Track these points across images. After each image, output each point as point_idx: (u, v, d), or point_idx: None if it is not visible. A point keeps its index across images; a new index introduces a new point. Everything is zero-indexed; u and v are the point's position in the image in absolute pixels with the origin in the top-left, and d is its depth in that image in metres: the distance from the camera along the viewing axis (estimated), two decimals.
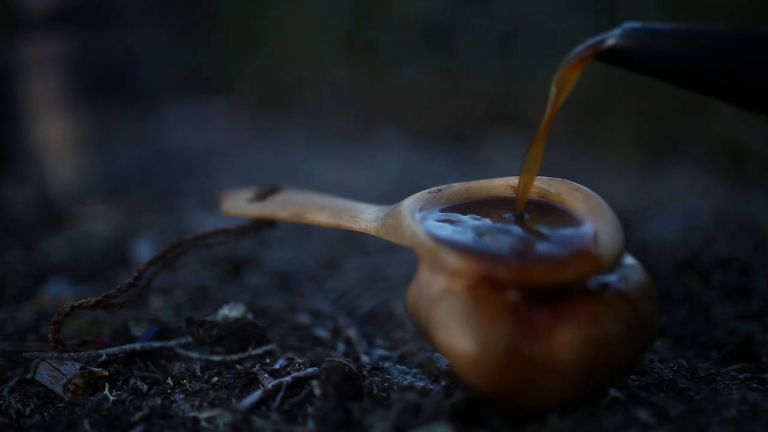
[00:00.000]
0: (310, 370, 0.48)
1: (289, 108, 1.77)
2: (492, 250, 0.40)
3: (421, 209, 0.46)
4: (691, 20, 1.22)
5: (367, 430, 0.41)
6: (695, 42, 0.42)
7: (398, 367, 0.51)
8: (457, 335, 0.38)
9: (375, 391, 0.46)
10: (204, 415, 0.44)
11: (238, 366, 0.51)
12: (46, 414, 0.47)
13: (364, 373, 0.49)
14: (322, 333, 0.59)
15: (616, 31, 0.43)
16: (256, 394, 0.46)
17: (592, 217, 0.43)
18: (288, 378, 0.47)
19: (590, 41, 0.44)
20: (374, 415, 0.41)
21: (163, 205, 1.05)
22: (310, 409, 0.44)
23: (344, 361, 0.50)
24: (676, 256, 0.67)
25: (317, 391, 0.44)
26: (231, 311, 0.54)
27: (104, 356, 0.51)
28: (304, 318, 0.61)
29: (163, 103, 1.35)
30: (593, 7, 1.47)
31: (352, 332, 0.58)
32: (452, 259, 0.39)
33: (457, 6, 1.72)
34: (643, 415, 0.41)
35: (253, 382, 0.49)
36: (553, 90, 0.44)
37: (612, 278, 0.40)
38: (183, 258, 0.74)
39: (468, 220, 0.45)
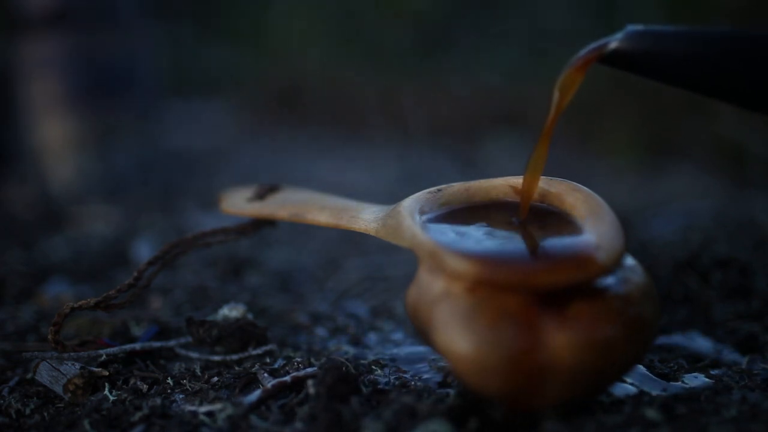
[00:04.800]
0: (309, 369, 0.48)
1: (290, 108, 1.77)
2: (492, 253, 0.40)
3: (420, 210, 0.45)
4: (691, 21, 1.22)
5: (359, 431, 0.41)
6: (698, 44, 0.42)
7: (400, 363, 0.51)
8: (457, 337, 0.38)
9: (372, 390, 0.46)
10: (203, 409, 0.44)
11: (236, 366, 0.51)
12: (46, 414, 0.47)
13: (363, 370, 0.49)
14: (322, 333, 0.59)
15: (619, 34, 0.43)
16: (256, 394, 0.46)
17: (592, 218, 0.43)
18: (287, 378, 0.47)
19: (593, 45, 0.44)
20: (367, 415, 0.41)
21: (163, 205, 1.05)
22: (304, 409, 0.44)
23: (342, 360, 0.50)
24: (676, 256, 0.67)
25: (311, 391, 0.44)
26: (231, 311, 0.54)
27: (104, 356, 0.51)
28: (304, 318, 0.61)
29: (163, 103, 1.35)
30: (593, 7, 1.47)
31: (352, 329, 0.58)
32: (452, 261, 0.39)
33: (458, 6, 1.72)
34: (643, 415, 0.41)
35: (252, 382, 0.49)
36: (556, 94, 0.44)
37: (612, 280, 0.40)
38: (183, 258, 0.74)
39: (468, 221, 0.45)
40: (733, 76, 0.42)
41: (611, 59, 0.44)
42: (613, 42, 0.43)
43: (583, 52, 0.44)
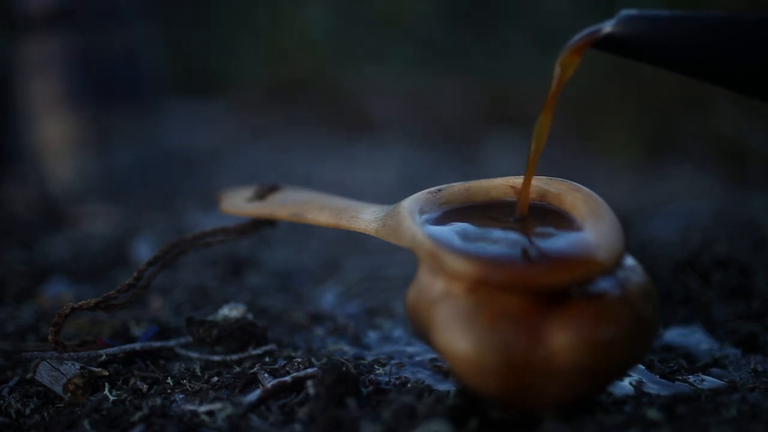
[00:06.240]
0: (309, 369, 0.48)
1: (290, 108, 1.77)
2: (492, 253, 0.40)
3: (420, 210, 0.45)
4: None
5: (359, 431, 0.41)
6: (692, 28, 0.42)
7: (401, 362, 0.51)
8: (457, 338, 0.38)
9: (372, 390, 0.46)
10: (203, 409, 0.44)
11: (236, 367, 0.51)
12: (46, 414, 0.47)
13: (364, 369, 0.49)
14: (322, 333, 0.59)
15: (613, 19, 0.43)
16: (256, 394, 0.46)
17: (592, 218, 0.43)
18: (288, 378, 0.47)
19: (587, 30, 0.44)
20: (366, 416, 0.41)
21: (163, 205, 1.05)
22: (304, 409, 0.44)
23: (342, 361, 0.50)
24: (676, 256, 0.67)
25: (311, 391, 0.44)
26: (231, 311, 0.54)
27: (104, 356, 0.51)
28: (303, 318, 0.61)
29: (163, 103, 1.35)
30: (593, 6, 1.47)
31: (352, 329, 0.58)
32: (452, 262, 0.39)
33: (459, 8, 1.72)
34: (644, 415, 0.41)
35: (252, 382, 0.49)
36: (557, 69, 0.44)
37: (612, 280, 0.40)
38: (183, 258, 0.74)
39: (468, 221, 0.45)
40: (728, 61, 0.42)
41: (605, 44, 0.43)
42: (607, 27, 0.43)
43: (577, 37, 0.44)
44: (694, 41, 0.42)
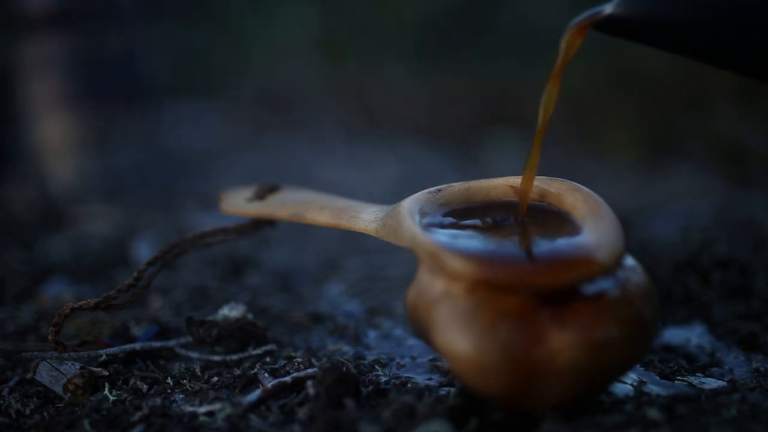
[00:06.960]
0: (309, 370, 0.48)
1: (289, 108, 1.77)
2: (492, 253, 0.40)
3: (420, 210, 0.45)
4: None
5: None
6: (690, 8, 0.42)
7: (402, 363, 0.51)
8: (457, 338, 0.38)
9: (372, 390, 0.46)
10: (203, 409, 0.44)
11: (236, 367, 0.51)
12: (46, 414, 0.47)
13: (364, 369, 0.49)
14: (322, 333, 0.59)
15: (614, 0, 0.43)
16: (256, 394, 0.46)
17: (592, 218, 0.43)
18: (288, 378, 0.47)
19: (588, 12, 0.44)
20: (366, 416, 0.41)
21: (163, 205, 1.05)
22: (304, 409, 0.44)
23: (342, 361, 0.50)
24: (676, 256, 0.67)
25: (311, 391, 0.44)
26: (231, 311, 0.54)
27: (104, 356, 0.51)
28: (303, 318, 0.61)
29: (163, 103, 1.35)
30: (590, 5, 1.47)
31: (352, 329, 0.58)
32: (452, 262, 0.39)
33: (458, 9, 1.72)
34: (644, 414, 0.41)
35: (252, 382, 0.49)
36: (563, 45, 0.44)
37: (612, 280, 0.40)
38: (183, 258, 0.74)
39: (468, 221, 0.45)
40: (727, 41, 0.42)
41: (606, 25, 0.43)
42: (608, 8, 0.43)
43: (579, 17, 0.44)
44: (692, 21, 0.42)
